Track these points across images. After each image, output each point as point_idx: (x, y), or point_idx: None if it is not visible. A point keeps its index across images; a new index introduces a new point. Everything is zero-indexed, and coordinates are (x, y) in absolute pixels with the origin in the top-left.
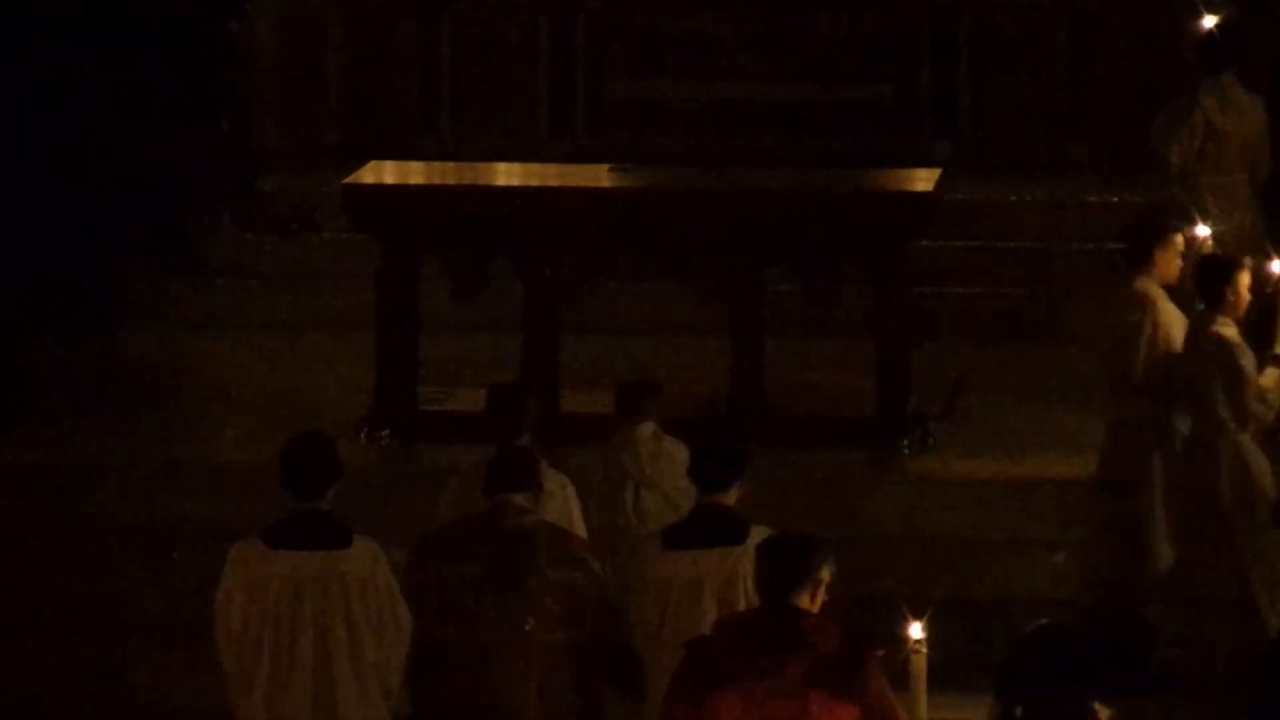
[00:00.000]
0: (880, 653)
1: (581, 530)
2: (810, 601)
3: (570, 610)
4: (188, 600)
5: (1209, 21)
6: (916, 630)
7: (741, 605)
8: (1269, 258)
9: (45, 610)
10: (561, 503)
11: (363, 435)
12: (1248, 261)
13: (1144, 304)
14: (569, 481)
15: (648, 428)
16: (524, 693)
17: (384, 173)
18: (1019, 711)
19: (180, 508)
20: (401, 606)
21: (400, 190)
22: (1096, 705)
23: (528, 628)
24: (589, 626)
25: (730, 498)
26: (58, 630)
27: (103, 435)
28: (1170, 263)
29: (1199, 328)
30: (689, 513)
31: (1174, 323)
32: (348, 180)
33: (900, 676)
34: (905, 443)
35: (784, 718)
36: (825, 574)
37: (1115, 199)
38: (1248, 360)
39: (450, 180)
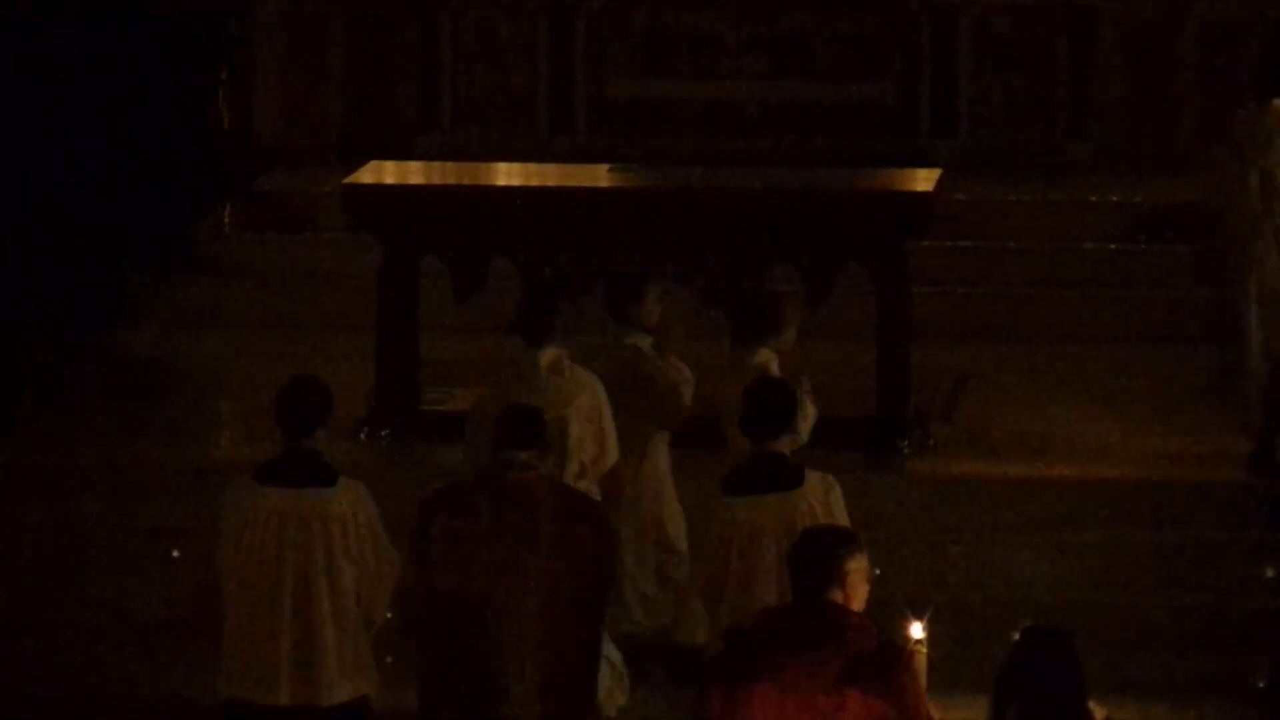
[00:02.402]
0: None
1: (609, 424)
2: (845, 597)
3: (573, 565)
4: (188, 600)
5: None
6: (917, 630)
7: None
8: None
9: (46, 610)
10: (591, 399)
11: (363, 435)
12: None
13: None
14: (598, 380)
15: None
16: (523, 647)
17: (384, 173)
18: (1014, 712)
19: (180, 508)
20: (384, 542)
21: (400, 190)
22: (1092, 705)
23: (530, 580)
24: (592, 581)
25: (783, 445)
26: (58, 630)
27: (103, 435)
28: None
29: None
30: (746, 460)
31: None
32: (348, 180)
33: None
34: (905, 443)
35: (819, 713)
36: (852, 567)
37: (1115, 199)
38: None
39: (450, 180)
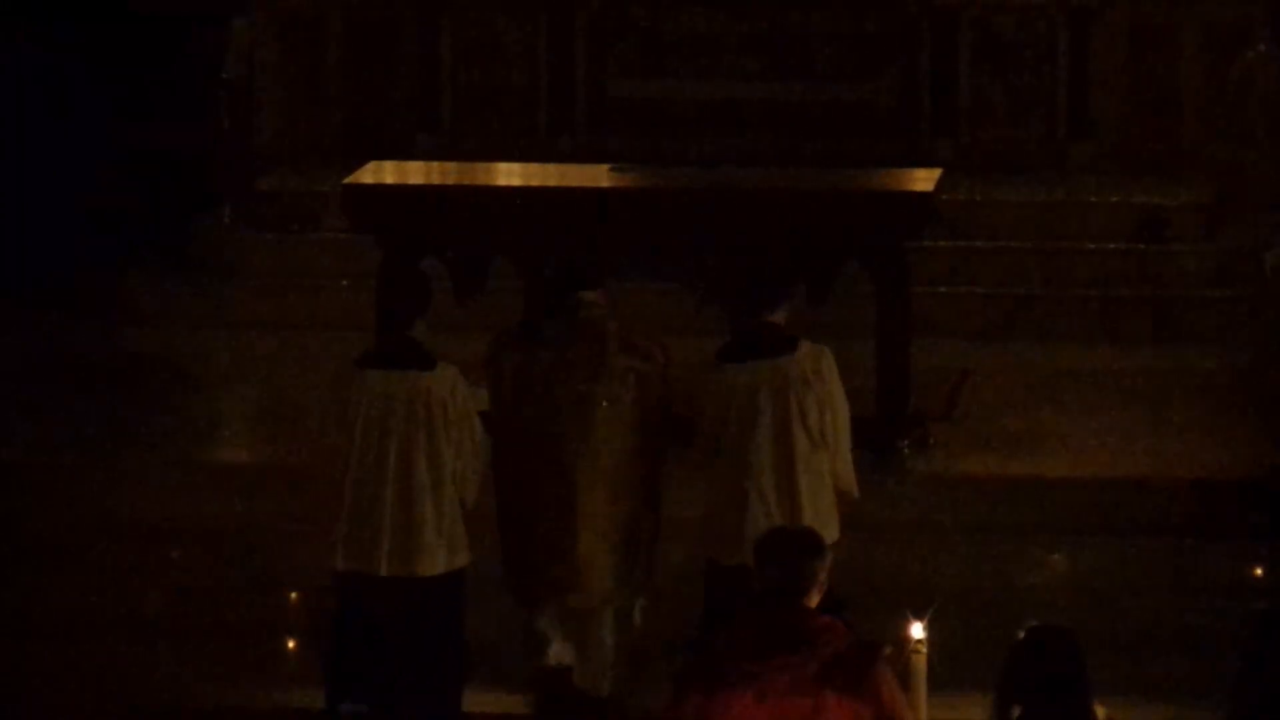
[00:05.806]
0: (888, 650)
1: None
2: (812, 600)
3: (637, 395)
4: (187, 600)
5: None
6: (917, 630)
7: (792, 406)
8: None
9: (45, 610)
10: None
11: None
12: None
13: None
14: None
15: None
16: (592, 474)
17: (384, 173)
18: (1017, 712)
19: (180, 508)
20: (477, 425)
21: (400, 190)
22: (1094, 704)
23: (597, 410)
24: (653, 408)
25: (780, 317)
26: (58, 630)
27: (103, 435)
28: None
29: None
30: (742, 331)
31: None
32: (348, 180)
33: (901, 676)
34: (905, 443)
35: (795, 717)
36: (820, 567)
37: (1115, 199)
38: None
39: (450, 180)
